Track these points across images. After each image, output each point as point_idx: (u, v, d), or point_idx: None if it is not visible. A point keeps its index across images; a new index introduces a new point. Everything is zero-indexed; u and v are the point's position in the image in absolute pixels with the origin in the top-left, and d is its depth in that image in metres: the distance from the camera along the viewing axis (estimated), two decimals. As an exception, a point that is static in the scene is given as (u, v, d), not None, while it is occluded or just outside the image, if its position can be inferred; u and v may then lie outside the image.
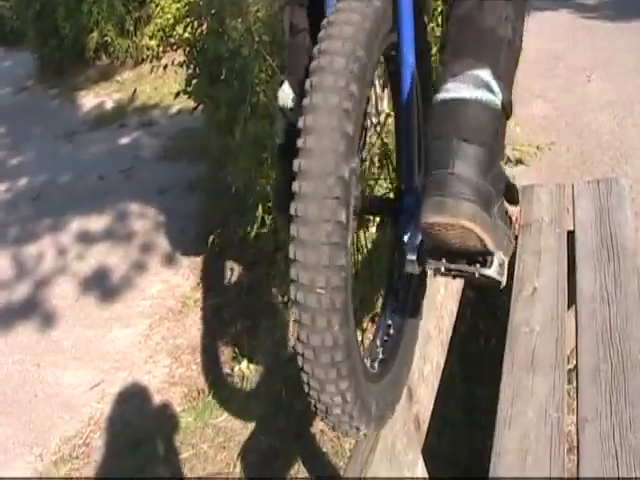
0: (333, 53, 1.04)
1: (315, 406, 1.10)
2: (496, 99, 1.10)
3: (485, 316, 2.98)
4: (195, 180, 4.93)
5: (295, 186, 1.00)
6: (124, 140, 6.39)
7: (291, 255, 1.01)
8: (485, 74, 1.10)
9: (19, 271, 4.57)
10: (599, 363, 1.92)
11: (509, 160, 3.33)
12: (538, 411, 1.82)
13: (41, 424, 3.35)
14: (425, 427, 1.49)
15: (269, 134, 3.08)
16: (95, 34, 7.66)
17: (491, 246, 1.08)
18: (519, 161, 3.40)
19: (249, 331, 3.59)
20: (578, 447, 1.71)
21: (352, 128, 1.01)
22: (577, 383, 1.90)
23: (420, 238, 1.21)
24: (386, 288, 1.50)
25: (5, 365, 3.80)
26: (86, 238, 4.80)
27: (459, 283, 1.92)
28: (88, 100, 7.58)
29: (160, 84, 7.18)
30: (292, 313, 1.04)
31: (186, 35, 3.51)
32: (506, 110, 1.12)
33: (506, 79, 1.14)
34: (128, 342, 3.81)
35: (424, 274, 1.51)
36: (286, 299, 3.46)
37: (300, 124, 1.02)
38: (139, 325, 3.93)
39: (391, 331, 1.39)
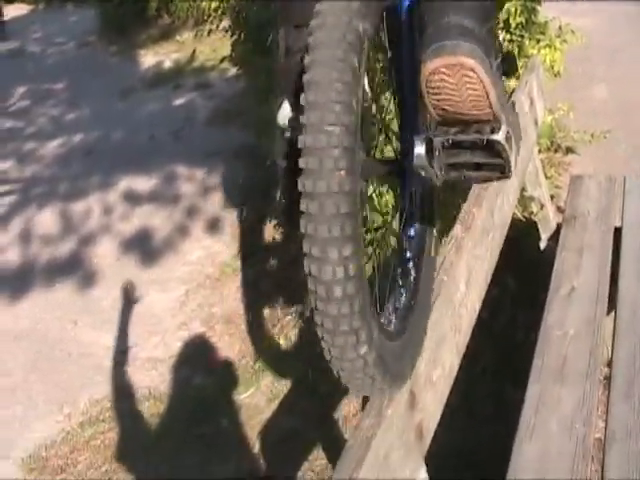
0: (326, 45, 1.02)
1: (329, 351, 1.06)
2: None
3: (525, 307, 2.84)
4: (241, 146, 4.86)
5: (300, 139, 1.00)
6: (178, 101, 6.37)
7: (302, 230, 1.01)
8: None
9: (64, 227, 4.61)
10: (635, 376, 1.80)
11: (559, 148, 3.14)
12: (563, 423, 1.70)
13: (72, 383, 3.38)
14: (429, 437, 1.38)
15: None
16: (157, -7, 7.65)
17: (493, 98, 1.04)
18: (569, 149, 3.21)
19: (284, 306, 3.52)
20: (602, 467, 1.61)
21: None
22: (609, 396, 1.78)
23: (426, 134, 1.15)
24: (394, 261, 1.40)
25: (44, 321, 3.83)
26: (132, 197, 4.80)
27: (483, 275, 1.79)
28: (147, 59, 7.58)
29: (219, 46, 7.08)
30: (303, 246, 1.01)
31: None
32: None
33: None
34: (164, 307, 3.79)
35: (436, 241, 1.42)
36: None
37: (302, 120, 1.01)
38: (176, 290, 3.91)
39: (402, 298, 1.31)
